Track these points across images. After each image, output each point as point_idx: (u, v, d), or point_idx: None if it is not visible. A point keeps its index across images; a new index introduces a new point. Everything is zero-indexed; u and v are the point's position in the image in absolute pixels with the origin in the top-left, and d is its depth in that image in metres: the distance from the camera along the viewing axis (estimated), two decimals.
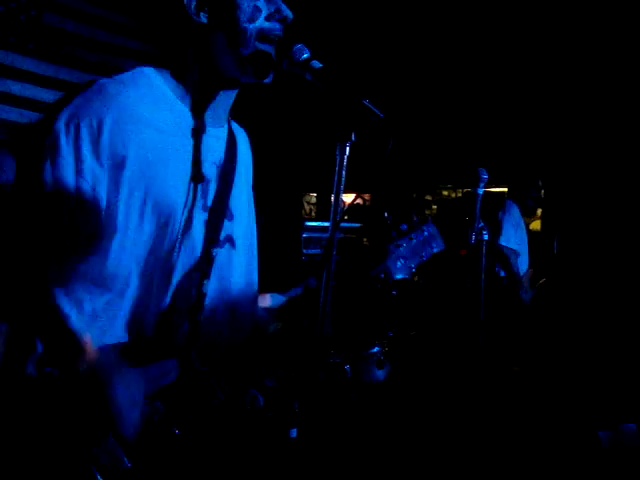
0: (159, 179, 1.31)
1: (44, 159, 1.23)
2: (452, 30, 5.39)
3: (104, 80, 1.28)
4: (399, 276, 1.42)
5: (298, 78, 1.28)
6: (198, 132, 1.39)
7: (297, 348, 1.56)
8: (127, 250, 1.30)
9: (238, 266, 1.52)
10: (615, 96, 5.43)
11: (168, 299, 1.38)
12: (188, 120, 1.38)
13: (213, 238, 1.42)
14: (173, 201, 1.34)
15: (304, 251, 4.90)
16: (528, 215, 4.59)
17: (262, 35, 1.35)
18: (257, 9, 1.34)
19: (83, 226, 1.26)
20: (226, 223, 1.46)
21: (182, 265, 1.38)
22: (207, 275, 1.41)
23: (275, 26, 1.36)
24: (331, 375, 3.39)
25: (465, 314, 3.72)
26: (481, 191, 3.24)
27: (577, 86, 5.55)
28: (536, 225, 7.03)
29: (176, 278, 1.38)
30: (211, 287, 1.44)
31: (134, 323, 1.35)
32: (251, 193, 1.63)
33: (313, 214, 7.93)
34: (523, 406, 4.07)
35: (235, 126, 1.57)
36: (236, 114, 1.55)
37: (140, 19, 4.77)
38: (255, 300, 1.63)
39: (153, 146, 1.30)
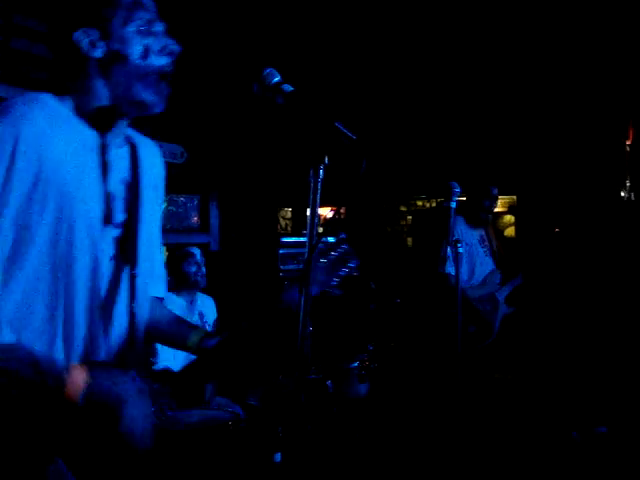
0: (72, 195, 1.35)
1: None
2: (421, 44, 5.46)
3: (8, 102, 1.32)
4: (320, 288, 1.54)
5: (269, 101, 1.29)
6: (103, 151, 1.44)
7: (277, 365, 1.57)
8: (44, 267, 1.33)
9: (143, 284, 1.55)
10: (585, 105, 5.54)
11: (102, 319, 1.42)
12: (91, 140, 1.43)
13: (129, 256, 1.47)
14: (88, 218, 1.38)
15: (281, 267, 4.88)
16: (481, 225, 4.46)
17: (153, 71, 1.43)
18: (147, 47, 1.42)
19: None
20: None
21: (107, 285, 1.43)
22: (134, 295, 1.47)
23: (165, 61, 1.45)
24: (313, 391, 3.40)
25: (443, 326, 3.75)
26: (454, 204, 3.30)
27: (549, 96, 5.66)
28: (511, 232, 7.12)
29: (105, 297, 1.43)
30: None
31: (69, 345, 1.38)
32: (159, 209, 1.67)
33: (289, 229, 7.91)
34: (505, 412, 4.10)
35: (140, 140, 1.60)
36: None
37: None
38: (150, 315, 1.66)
39: (64, 163, 1.35)
